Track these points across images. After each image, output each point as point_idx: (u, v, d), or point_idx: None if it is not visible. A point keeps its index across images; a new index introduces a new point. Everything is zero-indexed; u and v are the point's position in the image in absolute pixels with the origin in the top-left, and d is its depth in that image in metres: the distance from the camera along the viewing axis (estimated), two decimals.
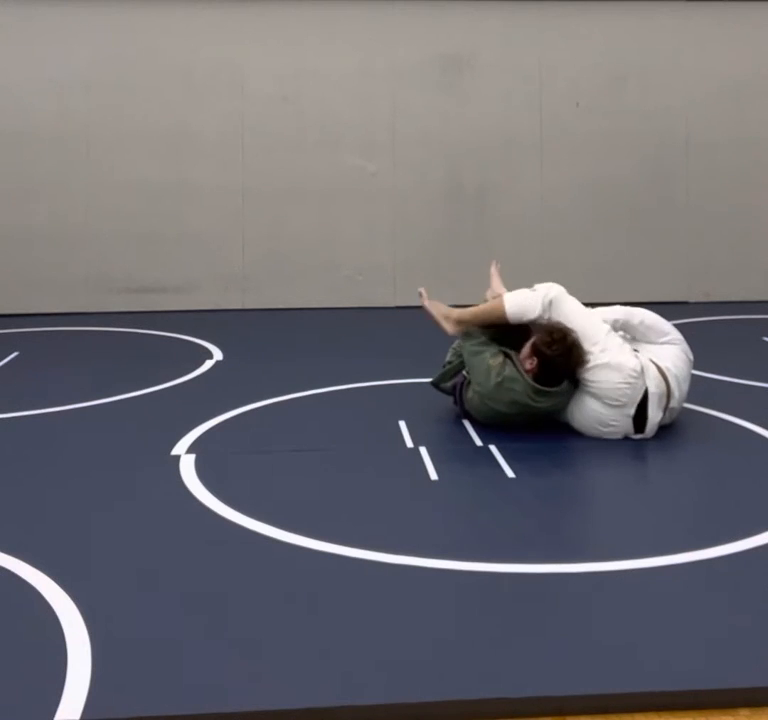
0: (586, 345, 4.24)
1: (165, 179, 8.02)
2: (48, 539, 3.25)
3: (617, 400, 4.19)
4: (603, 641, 2.55)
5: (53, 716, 2.23)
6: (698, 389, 4.69)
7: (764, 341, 6.57)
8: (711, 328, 7.11)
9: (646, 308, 4.72)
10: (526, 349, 4.31)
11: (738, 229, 8.33)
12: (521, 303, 4.41)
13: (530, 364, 4.26)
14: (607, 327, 4.34)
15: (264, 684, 2.36)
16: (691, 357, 4.44)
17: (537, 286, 4.48)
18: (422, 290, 4.75)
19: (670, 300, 8.13)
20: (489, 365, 4.29)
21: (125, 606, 2.77)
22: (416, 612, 2.72)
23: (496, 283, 5.04)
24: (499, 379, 4.24)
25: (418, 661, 2.46)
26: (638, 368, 4.20)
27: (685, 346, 4.45)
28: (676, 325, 4.71)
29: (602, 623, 2.65)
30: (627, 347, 4.30)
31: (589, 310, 4.44)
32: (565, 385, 4.27)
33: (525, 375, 4.23)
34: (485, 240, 8.20)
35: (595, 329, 4.29)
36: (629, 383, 4.17)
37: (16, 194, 7.92)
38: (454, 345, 4.78)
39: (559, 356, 4.20)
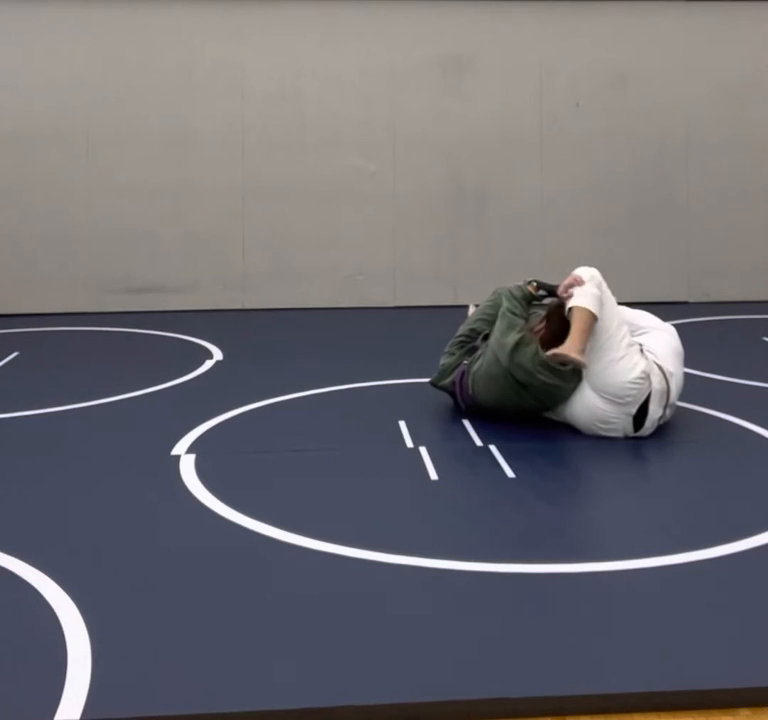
0: (605, 336, 4.30)
1: (165, 179, 8.02)
2: (48, 539, 3.25)
3: (622, 399, 4.20)
4: (603, 641, 2.55)
5: (53, 716, 2.23)
6: (698, 389, 4.69)
7: (764, 341, 6.56)
8: (711, 328, 7.11)
9: (646, 308, 4.73)
10: (541, 317, 4.52)
11: (738, 229, 8.33)
12: (592, 296, 4.36)
13: (539, 326, 4.45)
14: (626, 327, 4.41)
15: (264, 684, 2.36)
16: (680, 345, 4.49)
17: (581, 272, 4.50)
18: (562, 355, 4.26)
19: (670, 300, 8.13)
20: (521, 325, 4.42)
21: (125, 606, 2.77)
22: (416, 612, 2.72)
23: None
24: (520, 335, 4.35)
25: (418, 661, 2.46)
26: (648, 370, 4.22)
27: (675, 333, 4.52)
28: (676, 325, 4.71)
29: (602, 623, 2.65)
30: (637, 347, 4.33)
31: (616, 307, 4.48)
32: (568, 369, 4.30)
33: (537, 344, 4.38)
34: (485, 240, 8.21)
35: (618, 325, 4.36)
36: (636, 385, 4.19)
37: (16, 194, 7.92)
38: (447, 348, 4.80)
39: (563, 324, 4.34)
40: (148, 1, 7.93)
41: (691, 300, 8.26)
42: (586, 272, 4.50)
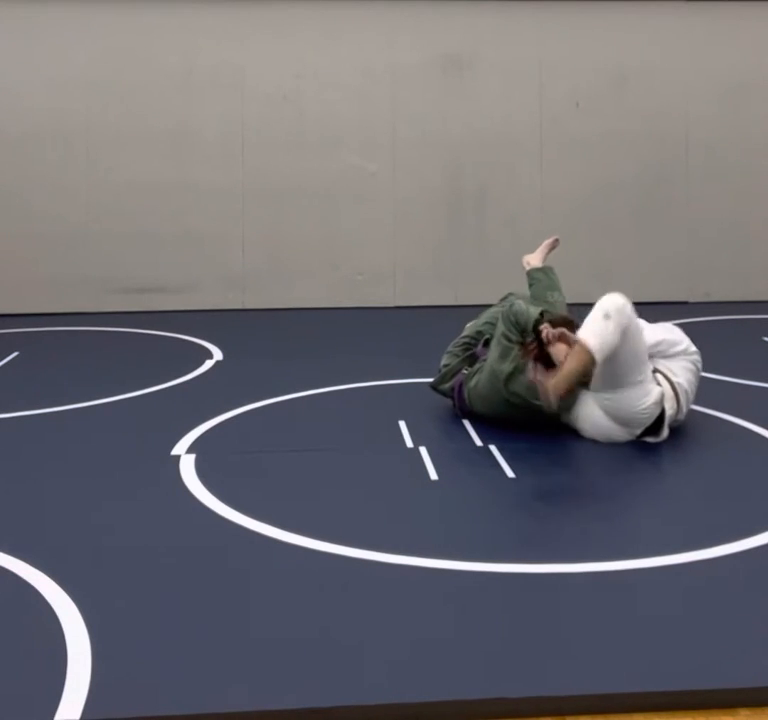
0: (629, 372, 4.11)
1: (165, 179, 8.02)
2: (48, 539, 3.25)
3: (628, 424, 4.18)
4: (603, 641, 2.55)
5: (53, 716, 2.23)
6: (698, 389, 4.68)
7: (764, 341, 6.56)
8: (711, 328, 7.10)
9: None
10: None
11: (738, 229, 8.33)
12: (604, 341, 3.96)
13: (532, 344, 4.29)
14: (646, 363, 4.18)
15: (264, 684, 2.36)
16: (700, 368, 4.41)
17: (608, 311, 4.01)
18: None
19: (670, 300, 8.13)
20: (515, 354, 4.29)
21: (125, 606, 2.76)
22: (416, 612, 2.72)
23: (537, 255, 5.04)
24: (514, 365, 4.25)
25: (418, 661, 2.46)
26: (659, 398, 4.14)
27: (696, 357, 4.39)
28: (676, 325, 4.70)
29: (602, 623, 2.65)
30: (651, 375, 4.18)
31: (644, 341, 4.18)
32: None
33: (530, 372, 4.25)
34: (485, 240, 8.20)
35: (637, 362, 4.13)
36: (646, 413, 4.14)
37: (17, 194, 7.92)
38: (450, 348, 4.79)
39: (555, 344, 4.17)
40: (148, 1, 7.93)
41: (691, 300, 8.26)
42: (612, 303, 4.04)
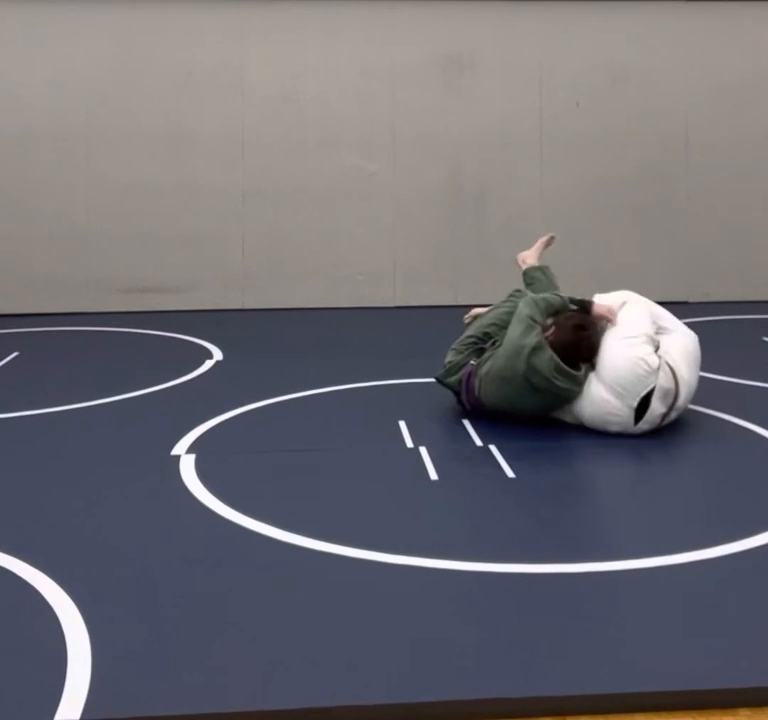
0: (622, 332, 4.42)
1: (165, 179, 8.02)
2: (48, 539, 3.25)
3: (623, 387, 4.22)
4: (603, 641, 2.55)
5: (53, 716, 2.23)
6: (698, 389, 4.69)
7: (764, 341, 6.57)
8: (711, 328, 7.10)
9: None
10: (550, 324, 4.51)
11: (738, 229, 8.33)
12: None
13: (548, 332, 4.41)
14: (650, 330, 4.48)
15: (264, 684, 2.36)
16: (699, 352, 4.57)
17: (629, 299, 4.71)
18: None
19: (670, 300, 8.10)
20: (538, 331, 4.38)
21: (125, 606, 2.77)
22: (416, 612, 2.72)
23: (533, 253, 5.23)
24: (538, 339, 4.32)
25: (418, 661, 2.46)
26: (655, 366, 4.26)
27: (696, 340, 4.61)
28: None
29: (602, 623, 2.65)
30: (652, 345, 4.39)
31: (648, 316, 4.57)
32: (582, 373, 4.35)
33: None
34: (484, 240, 8.20)
35: (638, 326, 4.45)
36: (638, 375, 4.23)
37: (16, 194, 7.92)
38: (454, 346, 4.78)
39: (575, 332, 4.39)
40: (148, 1, 7.93)
41: (691, 300, 8.26)
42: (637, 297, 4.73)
